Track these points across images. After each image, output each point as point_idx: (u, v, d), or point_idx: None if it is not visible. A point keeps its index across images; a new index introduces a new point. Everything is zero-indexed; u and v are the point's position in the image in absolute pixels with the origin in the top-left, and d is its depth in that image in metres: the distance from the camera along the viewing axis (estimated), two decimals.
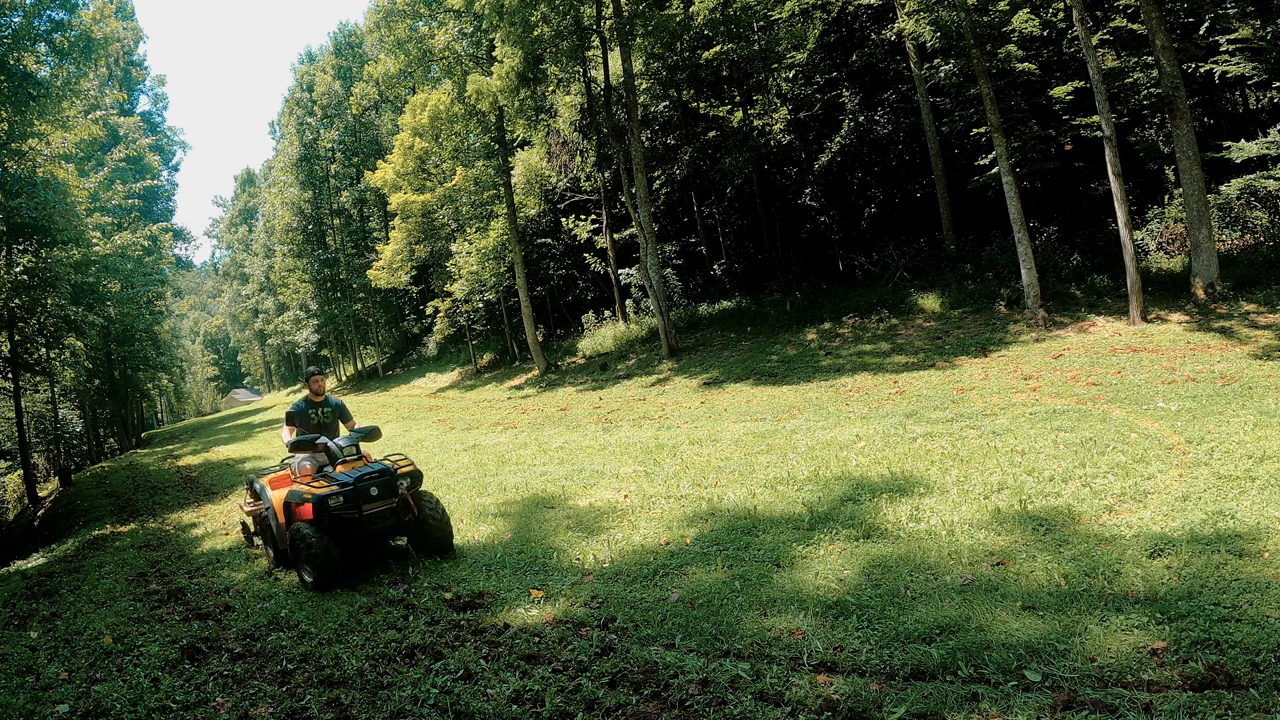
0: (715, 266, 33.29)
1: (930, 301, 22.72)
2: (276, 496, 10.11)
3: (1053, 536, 7.06)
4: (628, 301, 32.87)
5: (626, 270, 32.36)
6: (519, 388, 29.74)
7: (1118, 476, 8.34)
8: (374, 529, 9.15)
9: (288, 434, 10.26)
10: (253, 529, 11.66)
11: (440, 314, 40.65)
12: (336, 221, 56.02)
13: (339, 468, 9.50)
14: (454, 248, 36.06)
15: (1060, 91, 20.72)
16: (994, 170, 20.59)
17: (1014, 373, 15.28)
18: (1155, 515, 7.17)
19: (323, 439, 9.88)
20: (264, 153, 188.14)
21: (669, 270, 31.92)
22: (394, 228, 40.83)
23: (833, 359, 20.13)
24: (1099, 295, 19.56)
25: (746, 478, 10.78)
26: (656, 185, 32.68)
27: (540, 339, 33.67)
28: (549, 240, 38.34)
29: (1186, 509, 7.19)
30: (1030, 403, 12.45)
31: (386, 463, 9.58)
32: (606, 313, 34.92)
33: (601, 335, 32.21)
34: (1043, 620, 5.51)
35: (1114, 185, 17.56)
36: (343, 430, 10.64)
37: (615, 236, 32.72)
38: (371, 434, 10.18)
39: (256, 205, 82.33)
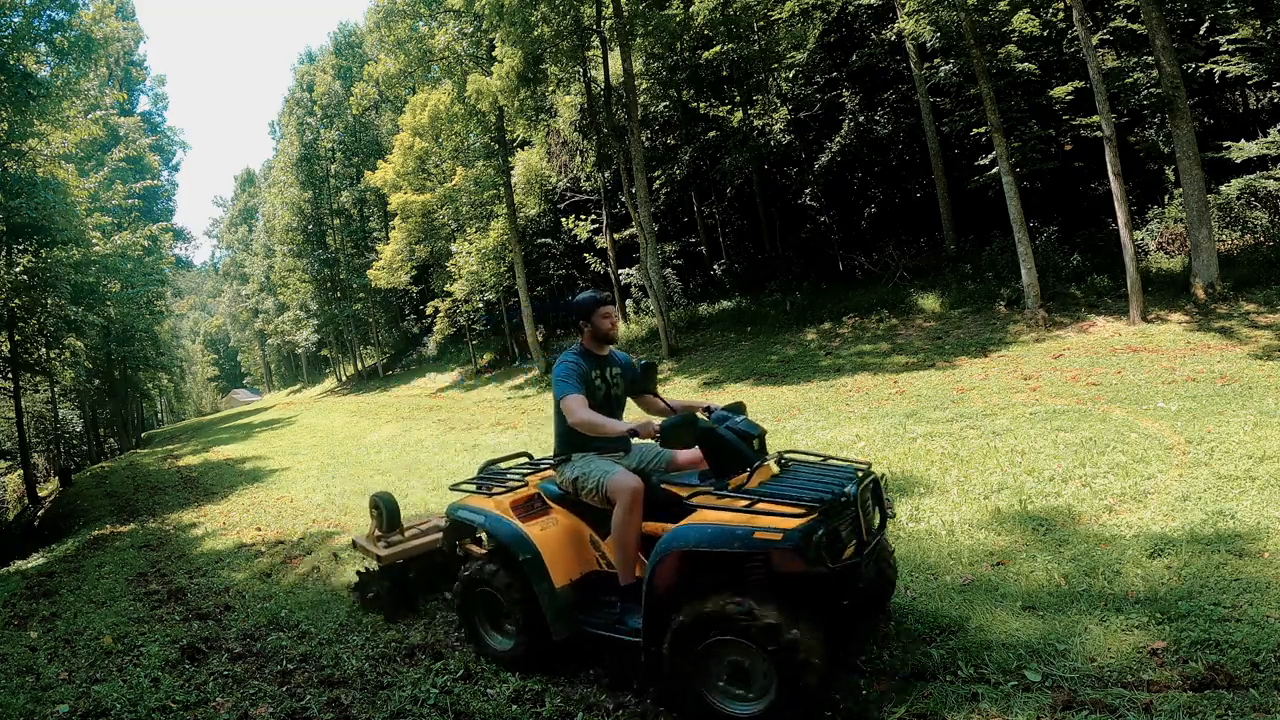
0: (715, 266, 33.32)
1: (930, 301, 22.72)
2: (545, 533, 5.75)
3: (1053, 536, 7.06)
4: (628, 301, 32.86)
5: (626, 270, 32.37)
6: (519, 388, 29.76)
7: (1118, 476, 8.34)
8: (857, 592, 5.05)
9: (581, 409, 5.48)
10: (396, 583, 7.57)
11: (440, 314, 40.64)
12: (336, 221, 56.00)
13: (755, 478, 5.22)
14: (454, 248, 36.07)
15: (1060, 91, 20.75)
16: (994, 170, 20.61)
17: (1014, 373, 15.29)
18: (1155, 515, 7.18)
19: (703, 422, 5.35)
20: (264, 153, 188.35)
21: (669, 270, 31.93)
22: (394, 228, 40.83)
23: (833, 359, 20.14)
24: (1099, 295, 19.56)
25: None
26: (656, 185, 32.70)
27: (540, 339, 33.68)
28: (549, 240, 38.36)
29: (1186, 509, 7.20)
30: (1030, 403, 12.46)
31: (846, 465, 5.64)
32: None
33: None
34: (1043, 620, 5.52)
35: (1114, 185, 17.56)
36: (635, 411, 6.29)
37: (615, 236, 32.71)
38: (741, 411, 5.67)
39: (256, 205, 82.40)
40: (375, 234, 56.04)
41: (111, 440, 51.50)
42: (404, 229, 38.55)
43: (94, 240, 27.41)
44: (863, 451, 11.06)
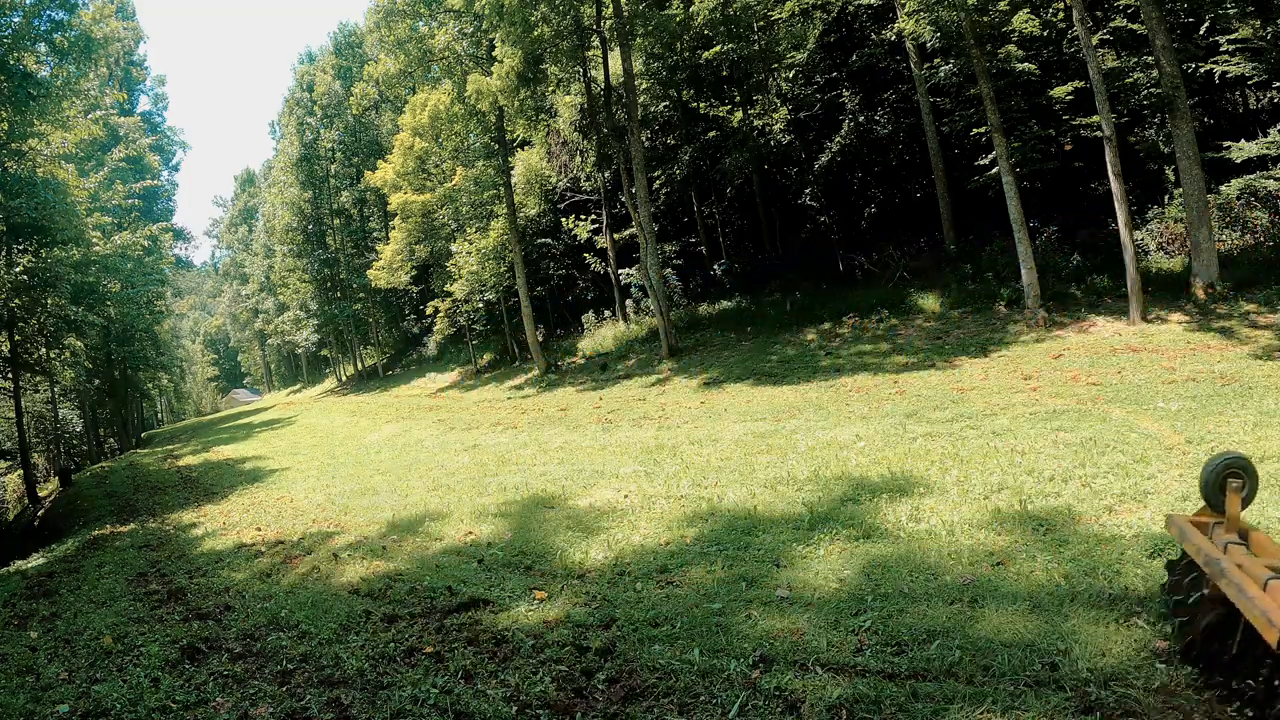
0: (715, 266, 33.33)
1: (930, 301, 22.71)
2: None
3: (1053, 536, 7.05)
4: (628, 302, 32.88)
5: (626, 270, 32.38)
6: (519, 388, 29.74)
7: (1118, 476, 8.33)
8: None
9: None
10: None
11: (440, 314, 40.62)
12: (336, 221, 56.02)
13: None
14: (454, 248, 36.10)
15: (1060, 91, 20.78)
16: (994, 170, 20.63)
17: (1014, 373, 15.28)
18: (1155, 515, 7.16)
19: None
20: (264, 152, 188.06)
21: (669, 270, 31.91)
22: (394, 228, 40.89)
23: (832, 359, 20.12)
24: (1099, 295, 19.55)
25: (746, 478, 10.77)
26: (656, 185, 32.72)
27: (540, 339, 33.68)
28: (549, 240, 38.37)
29: (1187, 509, 7.18)
30: (1030, 403, 12.45)
31: None
32: (606, 313, 34.89)
33: (601, 335, 32.19)
34: (1045, 620, 5.51)
35: (1114, 185, 17.54)
36: None
37: (615, 236, 32.74)
38: None
39: (256, 205, 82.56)
40: (375, 234, 56.07)
41: (111, 440, 51.47)
42: (404, 229, 38.58)
43: (94, 240, 27.39)
44: (862, 451, 11.06)
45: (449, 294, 37.58)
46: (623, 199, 29.78)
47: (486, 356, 39.89)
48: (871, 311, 23.37)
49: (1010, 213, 19.92)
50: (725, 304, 29.57)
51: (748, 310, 27.74)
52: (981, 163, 22.23)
